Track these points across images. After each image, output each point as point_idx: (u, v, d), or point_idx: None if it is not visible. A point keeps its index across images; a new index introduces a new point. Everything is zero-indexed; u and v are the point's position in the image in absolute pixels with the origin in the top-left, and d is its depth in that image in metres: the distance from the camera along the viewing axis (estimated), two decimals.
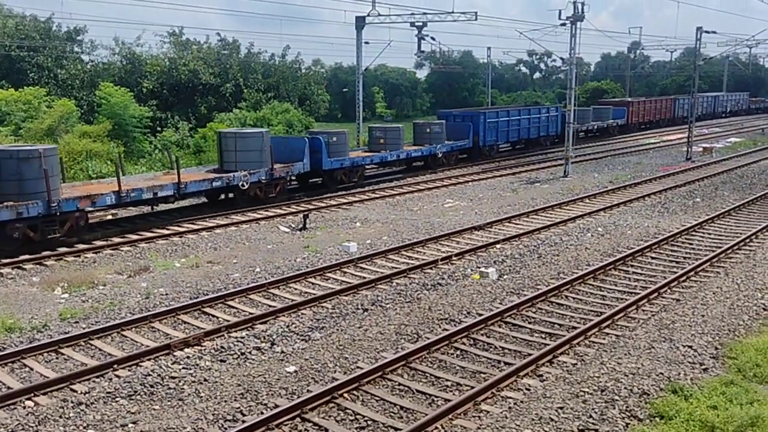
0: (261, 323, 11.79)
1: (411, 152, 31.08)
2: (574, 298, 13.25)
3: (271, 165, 22.65)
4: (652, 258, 16.08)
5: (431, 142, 32.15)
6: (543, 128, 41.17)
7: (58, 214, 16.69)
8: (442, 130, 32.86)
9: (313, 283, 14.18)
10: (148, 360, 10.20)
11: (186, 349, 10.61)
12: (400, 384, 9.47)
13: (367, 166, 29.00)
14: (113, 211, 21.07)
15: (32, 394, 9.04)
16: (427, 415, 8.44)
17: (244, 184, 21.55)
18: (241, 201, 22.22)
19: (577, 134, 44.62)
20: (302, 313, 12.31)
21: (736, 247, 16.73)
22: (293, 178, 25.44)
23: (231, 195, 22.65)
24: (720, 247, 16.53)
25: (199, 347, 10.72)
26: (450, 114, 37.34)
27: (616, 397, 8.85)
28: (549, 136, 41.96)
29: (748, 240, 17.43)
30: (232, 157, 22.29)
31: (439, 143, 32.41)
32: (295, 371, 9.85)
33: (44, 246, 16.55)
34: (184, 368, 9.91)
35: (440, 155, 32.49)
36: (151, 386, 9.32)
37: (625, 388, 9.11)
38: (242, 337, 11.10)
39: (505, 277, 14.69)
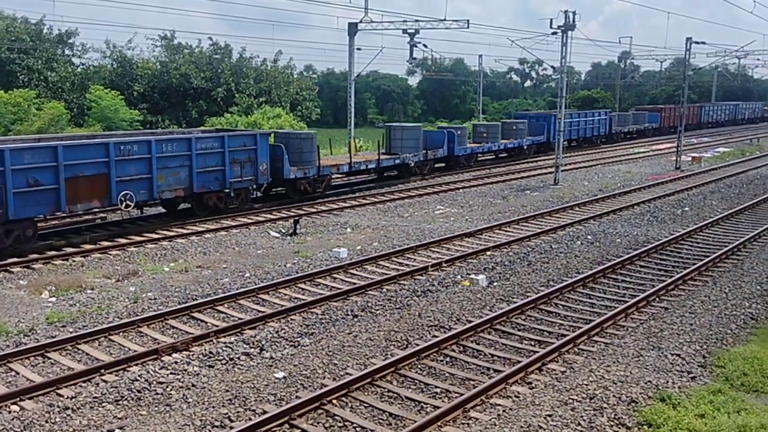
0: (250, 328, 11.74)
1: (507, 144, 38.51)
2: (563, 306, 13.29)
3: (425, 150, 30.79)
4: (641, 266, 16.15)
5: (517, 137, 39.12)
6: (595, 129, 49.66)
7: (320, 176, 24.99)
8: (525, 128, 40.01)
9: (302, 289, 14.14)
10: (136, 365, 10.13)
11: (174, 354, 10.55)
12: (389, 390, 9.46)
13: (478, 154, 36.76)
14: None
15: (18, 399, 8.95)
16: (416, 421, 8.43)
17: (411, 162, 29.96)
18: (405, 174, 30.24)
19: (620, 135, 53.67)
20: (292, 319, 12.27)
21: (724, 256, 16.82)
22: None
23: (395, 172, 30.52)
24: (708, 256, 16.62)
25: (188, 352, 10.66)
26: (527, 115, 47.29)
27: (605, 405, 8.87)
28: (600, 135, 50.37)
29: (736, 249, 17.55)
30: (398, 144, 30.25)
31: (524, 138, 39.66)
32: (284, 377, 9.81)
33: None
34: (171, 373, 9.85)
35: (525, 147, 40.15)
36: (139, 391, 9.25)
37: (614, 395, 9.13)
38: (231, 343, 11.05)
39: (494, 284, 14.71)
